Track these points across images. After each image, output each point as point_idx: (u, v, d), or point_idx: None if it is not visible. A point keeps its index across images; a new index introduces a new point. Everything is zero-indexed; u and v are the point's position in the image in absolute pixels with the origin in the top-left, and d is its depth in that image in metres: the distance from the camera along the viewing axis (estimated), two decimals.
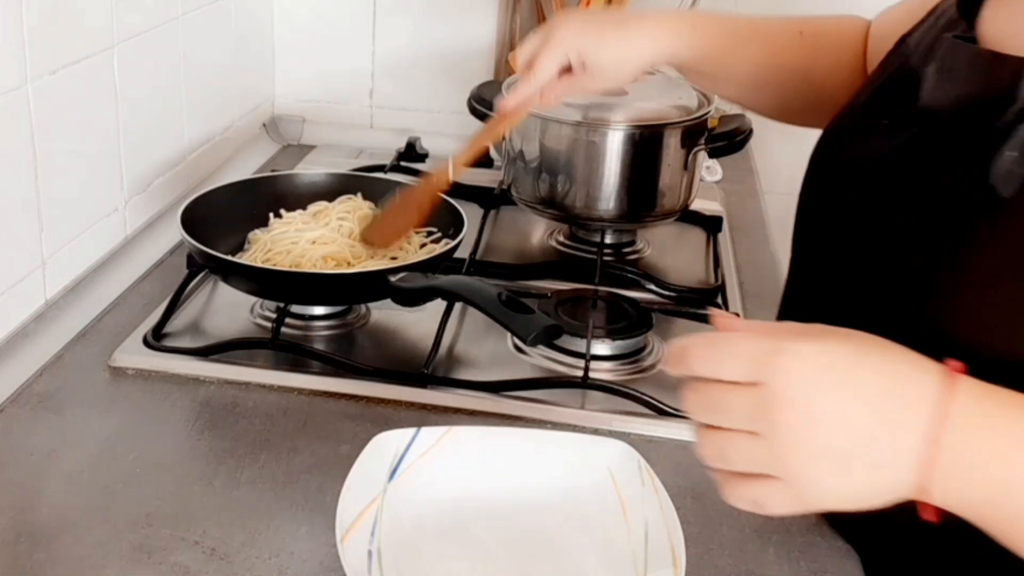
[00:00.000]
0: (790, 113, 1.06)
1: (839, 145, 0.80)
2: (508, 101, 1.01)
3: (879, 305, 0.71)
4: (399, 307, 1.01)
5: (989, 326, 0.63)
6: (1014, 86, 0.65)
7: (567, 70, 0.97)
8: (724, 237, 1.33)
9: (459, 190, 1.35)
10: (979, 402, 0.55)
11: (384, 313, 1.08)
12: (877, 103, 0.79)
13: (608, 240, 1.28)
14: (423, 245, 1.11)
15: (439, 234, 1.12)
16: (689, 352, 0.57)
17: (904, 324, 0.65)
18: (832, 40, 1.01)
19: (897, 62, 0.79)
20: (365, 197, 1.17)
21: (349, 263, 1.05)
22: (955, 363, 0.56)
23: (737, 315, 1.09)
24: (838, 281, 0.76)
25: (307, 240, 1.07)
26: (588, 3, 1.59)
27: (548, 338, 0.94)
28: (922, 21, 0.80)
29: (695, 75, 1.04)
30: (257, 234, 1.11)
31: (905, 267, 0.69)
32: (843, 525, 0.78)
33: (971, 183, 0.66)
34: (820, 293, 0.80)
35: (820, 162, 0.82)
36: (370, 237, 1.08)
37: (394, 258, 1.07)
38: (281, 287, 1.01)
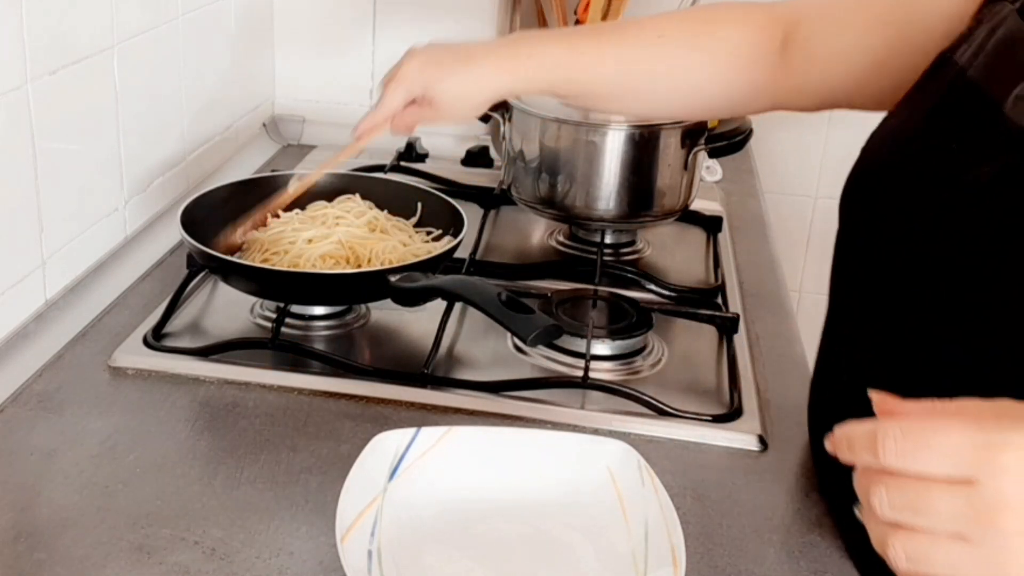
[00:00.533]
0: (663, 111, 1.06)
1: (889, 172, 0.72)
2: (361, 126, 1.02)
3: (990, 358, 0.62)
4: (399, 307, 1.01)
5: None
6: None
7: (414, 102, 0.99)
8: (724, 237, 1.33)
9: (459, 190, 1.35)
10: None
11: (384, 313, 1.08)
12: (936, 125, 0.71)
13: (608, 240, 1.28)
14: (426, 241, 1.11)
15: (439, 232, 1.12)
16: (883, 442, 0.50)
17: (999, 377, 0.59)
18: (702, 39, 0.96)
19: (947, 79, 0.72)
20: (365, 197, 1.17)
21: (348, 261, 1.05)
22: None
23: (737, 315, 1.09)
24: (911, 326, 0.68)
25: (304, 239, 1.07)
26: (588, 4, 1.59)
27: (548, 338, 0.94)
28: (965, 36, 0.73)
29: (564, 100, 1.05)
30: (255, 235, 1.11)
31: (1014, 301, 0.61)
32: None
33: None
34: (880, 342, 0.71)
35: (865, 192, 0.75)
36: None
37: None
38: (281, 287, 1.01)
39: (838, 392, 0.78)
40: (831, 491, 0.83)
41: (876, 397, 0.53)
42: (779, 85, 0.94)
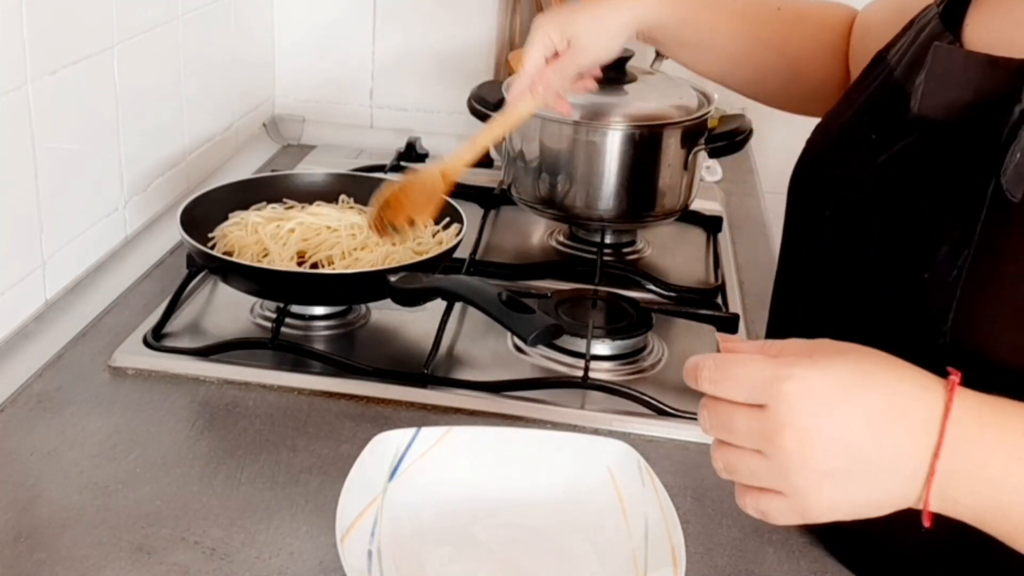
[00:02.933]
0: (766, 92, 1.07)
1: (824, 160, 0.80)
2: (512, 92, 1.03)
3: (876, 314, 0.71)
4: (399, 307, 1.01)
5: (999, 332, 0.63)
6: (1017, 86, 0.65)
7: (555, 56, 1.00)
8: (724, 237, 1.33)
9: (459, 190, 1.35)
10: (978, 417, 0.56)
11: (384, 313, 1.08)
12: (862, 119, 0.79)
13: (608, 240, 1.28)
14: (435, 234, 1.11)
15: (448, 219, 1.12)
16: (700, 372, 0.59)
17: (905, 333, 0.66)
18: (812, 21, 1.01)
19: (879, 77, 0.78)
20: (365, 197, 1.17)
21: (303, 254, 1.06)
22: (954, 374, 0.57)
23: (737, 315, 1.09)
24: (829, 290, 0.76)
25: (269, 232, 1.07)
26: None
27: (548, 338, 0.94)
28: (899, 36, 0.80)
29: (673, 45, 1.06)
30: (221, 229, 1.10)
31: (908, 275, 0.68)
32: (838, 548, 0.78)
33: (978, 188, 0.65)
34: (810, 302, 0.80)
35: (804, 177, 0.83)
36: (381, 225, 1.03)
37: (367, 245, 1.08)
38: (281, 287, 1.01)
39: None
40: None
41: (721, 339, 0.63)
42: (845, 80, 0.99)
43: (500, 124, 1.06)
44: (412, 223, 1.03)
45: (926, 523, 0.56)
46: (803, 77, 1.02)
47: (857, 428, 0.55)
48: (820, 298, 0.77)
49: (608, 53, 1.03)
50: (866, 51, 0.86)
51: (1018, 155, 0.64)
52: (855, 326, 0.71)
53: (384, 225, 1.02)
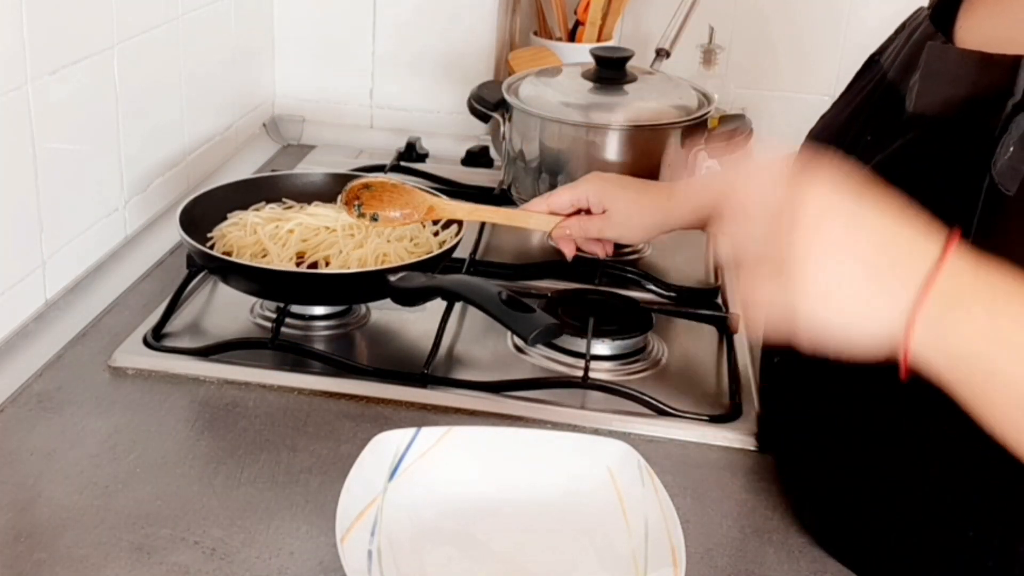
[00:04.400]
0: None
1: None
2: (530, 203, 1.12)
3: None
4: (399, 307, 1.01)
5: None
6: (1010, 81, 0.66)
7: (586, 211, 1.09)
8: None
9: (459, 190, 1.35)
10: (972, 267, 0.59)
11: (384, 313, 1.08)
12: (858, 120, 0.80)
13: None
14: (436, 233, 1.11)
15: (441, 226, 1.12)
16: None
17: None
18: None
19: (872, 80, 0.79)
20: None
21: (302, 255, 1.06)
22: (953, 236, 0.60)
23: (737, 315, 1.09)
24: None
25: (268, 233, 1.07)
26: (588, 4, 1.59)
27: (549, 337, 0.94)
28: (891, 40, 0.81)
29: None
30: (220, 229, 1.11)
31: None
32: (838, 548, 0.78)
33: (973, 182, 0.66)
34: None
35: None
36: (353, 198, 1.08)
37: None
38: (281, 287, 1.01)
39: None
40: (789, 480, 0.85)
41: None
42: None
43: (507, 214, 1.12)
44: (374, 219, 1.07)
45: (903, 374, 0.59)
46: None
47: (866, 234, 0.59)
48: None
49: (633, 240, 1.12)
50: None
51: (1011, 148, 0.64)
52: None
53: (353, 201, 1.07)
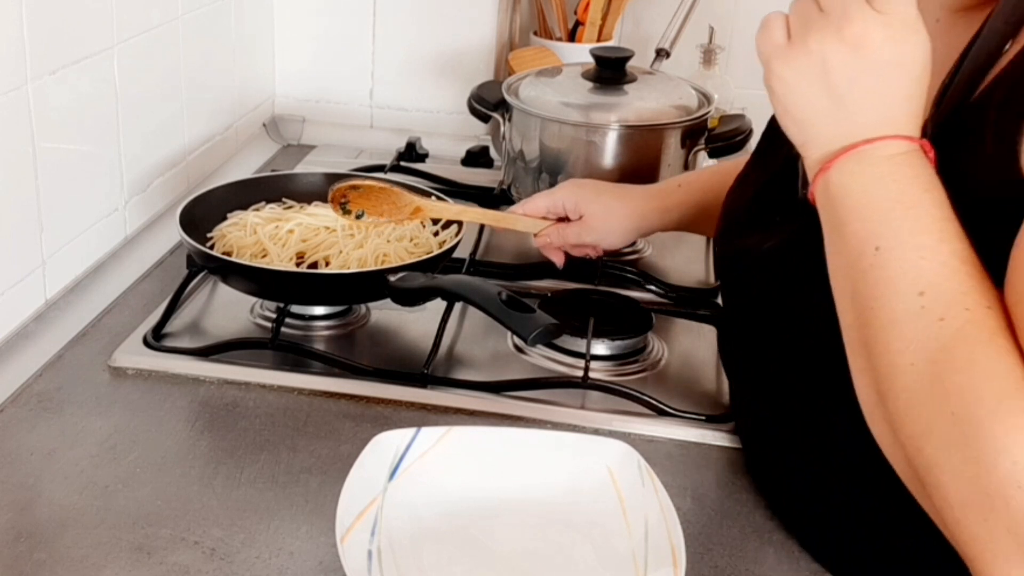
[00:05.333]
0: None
1: (736, 238, 0.84)
2: (515, 207, 1.13)
3: (807, 366, 0.75)
4: (399, 307, 1.01)
5: None
6: None
7: (564, 219, 1.10)
8: None
9: (459, 190, 1.35)
10: (918, 169, 0.64)
11: (384, 313, 1.08)
12: (764, 199, 0.82)
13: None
14: (436, 233, 1.11)
15: (440, 226, 1.12)
16: None
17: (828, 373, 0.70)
18: None
19: (782, 156, 0.80)
20: None
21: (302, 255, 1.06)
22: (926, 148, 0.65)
23: None
24: (763, 339, 0.81)
25: (267, 233, 1.07)
26: (588, 4, 1.59)
27: (548, 337, 0.94)
28: None
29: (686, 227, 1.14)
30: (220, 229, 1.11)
31: (816, 335, 0.71)
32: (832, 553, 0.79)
33: None
34: (750, 344, 0.84)
35: (722, 253, 0.88)
36: (339, 197, 1.08)
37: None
38: (281, 287, 1.01)
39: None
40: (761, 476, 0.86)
41: None
42: None
43: (495, 216, 1.12)
44: (359, 216, 1.08)
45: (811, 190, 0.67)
46: None
47: (846, 70, 0.65)
48: (760, 344, 0.81)
49: (612, 244, 1.11)
50: None
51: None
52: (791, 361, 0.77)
53: (339, 200, 1.07)
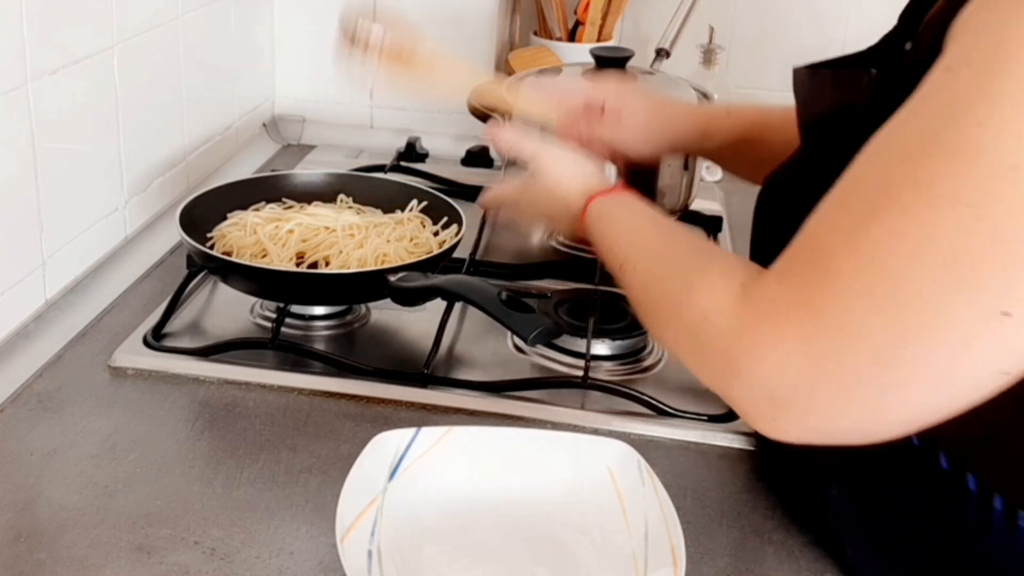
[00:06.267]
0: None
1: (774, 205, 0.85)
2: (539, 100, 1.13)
3: None
4: (399, 307, 1.01)
5: None
6: (862, 97, 0.68)
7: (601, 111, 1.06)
8: (724, 237, 1.33)
9: (459, 190, 1.35)
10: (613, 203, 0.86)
11: (384, 313, 1.08)
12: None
13: None
14: (436, 233, 1.11)
15: (448, 219, 1.12)
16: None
17: None
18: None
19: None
20: (365, 197, 1.17)
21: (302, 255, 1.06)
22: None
23: None
24: None
25: (267, 233, 1.07)
26: (587, 4, 1.59)
27: (548, 337, 0.94)
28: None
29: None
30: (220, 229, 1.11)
31: None
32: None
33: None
34: None
35: (756, 219, 0.87)
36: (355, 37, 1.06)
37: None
38: (281, 287, 1.01)
39: None
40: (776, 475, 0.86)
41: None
42: None
43: (510, 96, 1.10)
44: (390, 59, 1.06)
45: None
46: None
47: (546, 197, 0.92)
48: None
49: (638, 152, 1.06)
50: None
51: None
52: None
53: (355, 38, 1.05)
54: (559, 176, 0.91)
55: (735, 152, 1.06)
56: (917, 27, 0.65)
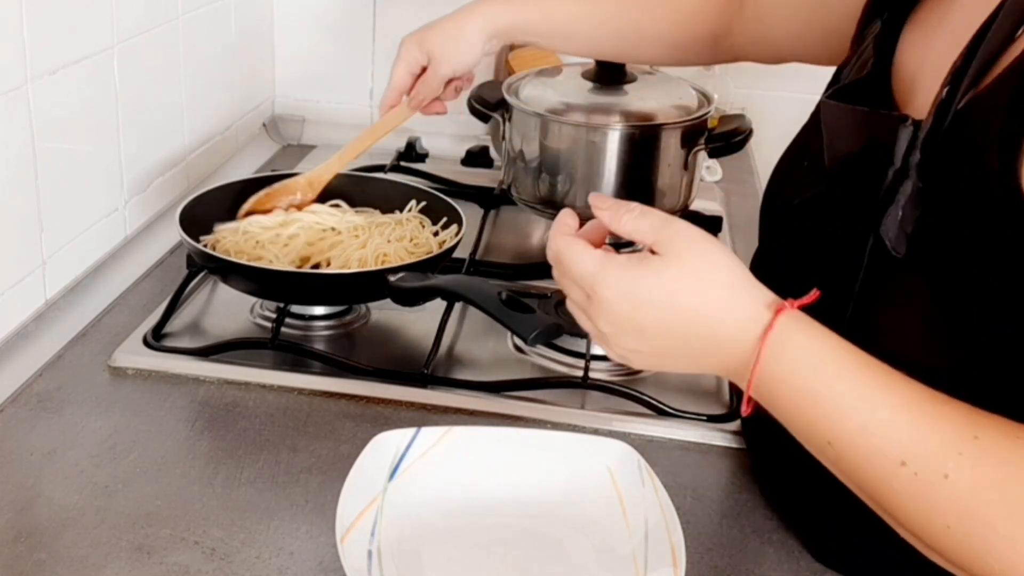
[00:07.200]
0: (633, 57, 1.16)
1: (779, 187, 0.85)
2: (383, 105, 1.13)
3: None
4: (399, 307, 1.01)
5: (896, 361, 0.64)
6: (891, 144, 0.66)
7: (423, 70, 1.09)
8: (724, 237, 1.33)
9: (459, 190, 1.35)
10: (791, 362, 0.62)
11: (384, 313, 1.08)
12: (802, 147, 0.82)
13: (608, 240, 1.27)
14: (436, 233, 1.12)
15: (448, 219, 1.13)
16: (551, 253, 0.70)
17: None
18: None
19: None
20: (365, 197, 1.17)
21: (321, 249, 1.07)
22: (787, 309, 0.63)
23: None
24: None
25: (268, 239, 1.07)
26: None
27: (549, 337, 0.94)
28: (849, 57, 0.81)
29: (538, 40, 1.12)
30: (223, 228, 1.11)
31: (819, 312, 0.69)
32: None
33: (864, 241, 0.68)
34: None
35: (766, 201, 0.87)
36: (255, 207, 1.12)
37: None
38: (281, 287, 1.01)
39: None
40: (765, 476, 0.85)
41: (591, 198, 0.71)
42: (737, 37, 1.04)
43: (370, 135, 1.16)
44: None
45: (745, 410, 0.65)
46: (670, 47, 1.07)
47: (659, 333, 0.65)
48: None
49: (466, 61, 1.10)
50: (769, 22, 0.96)
51: (900, 212, 0.65)
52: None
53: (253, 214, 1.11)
54: (705, 288, 0.64)
55: (532, 33, 1.10)
56: (990, 65, 0.63)
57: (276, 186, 1.14)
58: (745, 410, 0.65)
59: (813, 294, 0.64)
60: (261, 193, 1.14)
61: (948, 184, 0.63)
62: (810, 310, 0.65)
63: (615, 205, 0.68)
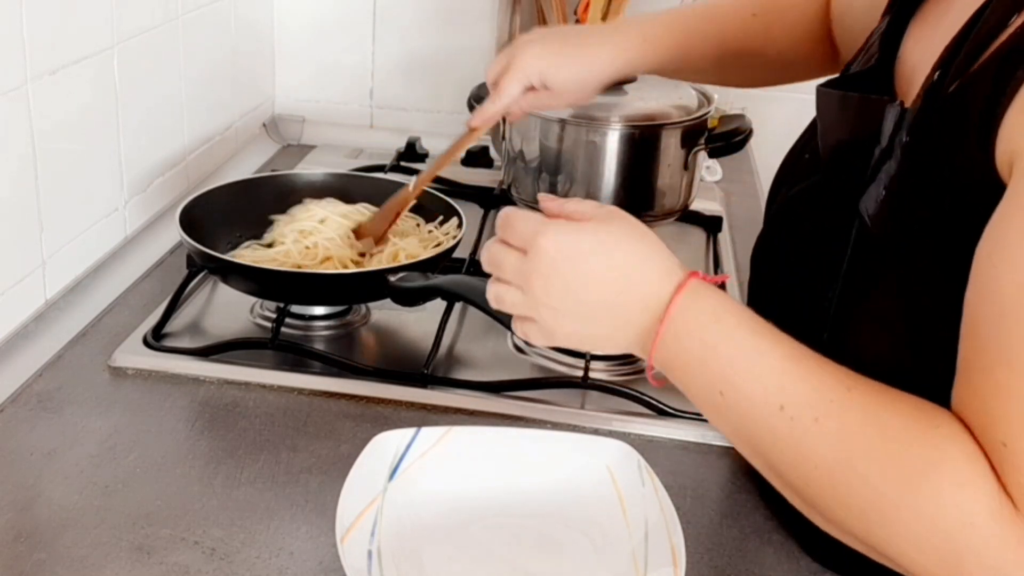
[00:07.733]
0: (757, 83, 1.16)
1: (782, 180, 0.87)
2: (475, 118, 1.07)
3: (800, 324, 0.73)
4: (399, 307, 1.01)
5: (865, 345, 0.68)
6: (880, 128, 0.68)
7: (531, 88, 1.03)
8: (724, 237, 1.33)
9: (459, 190, 1.35)
10: (697, 313, 0.66)
11: (384, 313, 1.08)
12: (805, 141, 0.83)
13: None
14: (430, 231, 1.11)
15: (441, 218, 1.13)
16: (498, 218, 0.70)
17: (816, 338, 0.69)
18: (789, 16, 1.04)
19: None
20: (365, 197, 1.17)
21: (346, 265, 1.05)
22: (693, 276, 0.67)
23: None
24: (775, 297, 0.81)
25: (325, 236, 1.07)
26: (588, 3, 1.59)
27: None
28: (860, 50, 0.82)
29: (663, 76, 1.10)
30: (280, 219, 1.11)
31: (812, 296, 0.73)
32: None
33: (846, 227, 0.70)
34: (766, 303, 0.83)
35: (769, 195, 0.89)
36: (361, 232, 1.09)
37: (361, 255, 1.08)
38: (281, 287, 1.01)
39: None
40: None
41: (540, 198, 0.71)
42: (835, 57, 1.03)
43: (470, 139, 1.10)
44: (383, 240, 1.08)
45: (649, 375, 0.69)
46: (790, 68, 1.06)
47: (589, 284, 0.67)
48: (773, 302, 0.81)
49: (587, 98, 1.08)
50: (849, 24, 0.93)
51: (881, 191, 0.67)
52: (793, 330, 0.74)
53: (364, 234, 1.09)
54: (628, 250, 0.68)
55: (678, 69, 1.09)
56: (978, 53, 0.64)
57: (389, 204, 1.09)
58: (649, 365, 0.68)
59: (723, 276, 0.73)
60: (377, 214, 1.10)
61: (929, 165, 0.64)
62: (799, 296, 0.70)
63: (561, 199, 0.71)
